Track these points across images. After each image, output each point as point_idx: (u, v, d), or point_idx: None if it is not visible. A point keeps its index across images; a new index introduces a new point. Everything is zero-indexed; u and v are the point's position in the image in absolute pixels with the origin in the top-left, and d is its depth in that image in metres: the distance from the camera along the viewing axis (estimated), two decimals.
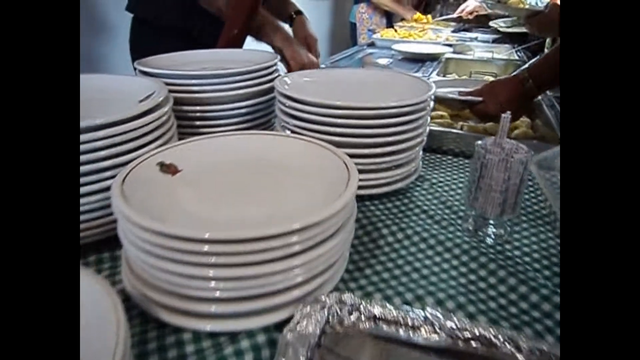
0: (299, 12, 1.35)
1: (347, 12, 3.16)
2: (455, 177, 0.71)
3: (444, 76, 1.73)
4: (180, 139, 0.53)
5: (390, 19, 2.89)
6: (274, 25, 0.98)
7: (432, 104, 0.62)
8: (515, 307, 0.44)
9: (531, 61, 1.51)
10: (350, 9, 3.03)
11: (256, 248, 0.33)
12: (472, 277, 0.48)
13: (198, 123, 0.66)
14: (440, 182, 0.69)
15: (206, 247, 0.33)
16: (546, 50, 1.67)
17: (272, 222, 0.35)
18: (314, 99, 0.55)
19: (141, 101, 0.51)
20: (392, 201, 0.62)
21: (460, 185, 0.68)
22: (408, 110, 0.56)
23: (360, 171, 0.58)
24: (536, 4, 1.85)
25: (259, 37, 0.99)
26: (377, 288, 0.45)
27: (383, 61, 1.73)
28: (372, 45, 2.06)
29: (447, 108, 0.98)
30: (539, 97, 1.22)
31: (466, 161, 0.78)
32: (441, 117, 0.98)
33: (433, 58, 1.74)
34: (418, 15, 2.57)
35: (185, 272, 0.34)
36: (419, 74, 1.53)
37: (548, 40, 1.67)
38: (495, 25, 1.63)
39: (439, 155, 0.80)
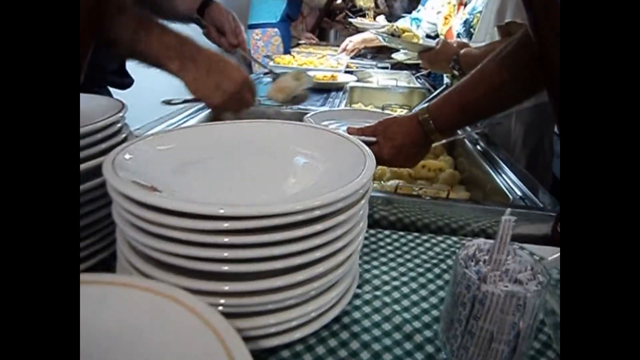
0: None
1: None
2: (402, 269, 0.51)
3: (350, 106, 1.59)
4: None
5: (287, 47, 2.74)
6: (154, 27, 0.63)
7: (372, 184, 0.41)
8: None
9: (433, 95, 1.44)
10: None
11: None
12: None
13: None
14: (385, 283, 0.48)
15: None
16: (445, 79, 1.61)
17: None
18: (170, 201, 0.30)
19: None
20: (323, 340, 0.39)
21: (414, 286, 0.48)
22: (341, 207, 0.34)
23: (272, 311, 0.35)
24: (435, 31, 1.82)
25: (134, 54, 0.64)
26: None
27: None
28: (269, 73, 1.85)
29: None
30: (459, 133, 1.12)
31: (409, 237, 0.59)
32: None
33: (337, 87, 1.59)
34: None
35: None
36: (326, 107, 1.35)
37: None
38: (398, 57, 1.57)
39: (371, 232, 0.60)
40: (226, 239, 0.30)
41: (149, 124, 0.97)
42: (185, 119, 1.13)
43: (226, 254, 0.30)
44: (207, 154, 0.42)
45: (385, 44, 1.38)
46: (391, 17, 2.79)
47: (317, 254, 0.34)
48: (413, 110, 1.38)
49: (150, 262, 0.33)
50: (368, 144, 0.75)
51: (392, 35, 1.23)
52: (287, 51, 2.65)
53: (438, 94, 1.48)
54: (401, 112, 1.56)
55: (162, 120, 1.04)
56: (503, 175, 0.86)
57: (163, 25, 0.66)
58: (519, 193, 0.77)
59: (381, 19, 2.67)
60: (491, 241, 0.35)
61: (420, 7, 2.00)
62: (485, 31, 1.05)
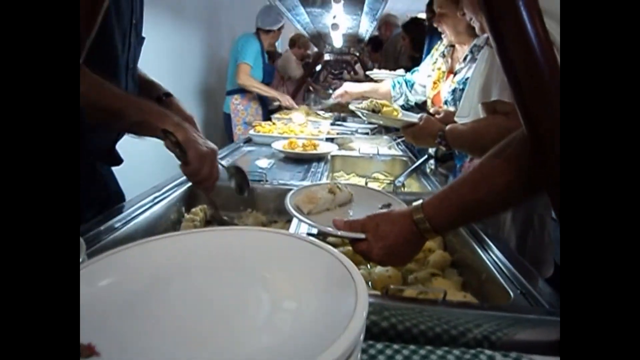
0: (168, 94, 1.06)
1: (220, 102, 2.95)
2: None
3: (332, 175, 1.55)
4: None
5: (266, 110, 2.75)
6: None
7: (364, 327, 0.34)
8: None
9: (414, 165, 1.41)
10: (224, 100, 2.83)
11: None
12: None
13: None
14: None
15: None
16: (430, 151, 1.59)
17: None
18: None
19: None
20: None
21: None
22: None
23: None
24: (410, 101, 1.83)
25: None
26: None
27: (263, 163, 1.48)
28: (249, 141, 1.82)
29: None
30: None
31: (405, 353, 0.51)
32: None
33: (319, 158, 1.56)
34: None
35: None
36: (307, 182, 1.30)
37: None
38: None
39: (362, 346, 0.52)
40: None
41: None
42: (169, 192, 1.07)
43: None
44: (158, 285, 0.35)
45: (364, 118, 1.37)
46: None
47: None
48: (395, 181, 1.35)
49: None
50: (356, 240, 0.69)
51: (373, 111, 1.22)
52: (266, 115, 2.65)
53: (420, 165, 1.46)
54: (383, 181, 1.53)
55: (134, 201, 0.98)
56: (497, 261, 0.81)
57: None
58: (518, 285, 0.71)
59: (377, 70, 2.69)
60: None
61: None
62: (469, 107, 1.04)
